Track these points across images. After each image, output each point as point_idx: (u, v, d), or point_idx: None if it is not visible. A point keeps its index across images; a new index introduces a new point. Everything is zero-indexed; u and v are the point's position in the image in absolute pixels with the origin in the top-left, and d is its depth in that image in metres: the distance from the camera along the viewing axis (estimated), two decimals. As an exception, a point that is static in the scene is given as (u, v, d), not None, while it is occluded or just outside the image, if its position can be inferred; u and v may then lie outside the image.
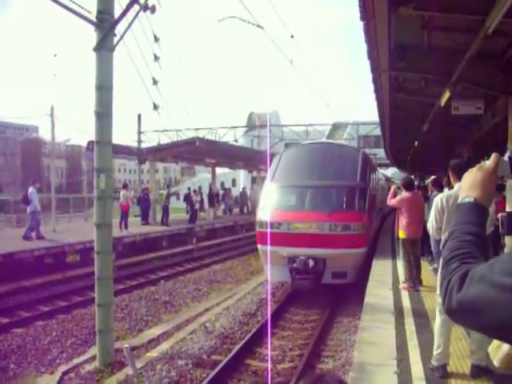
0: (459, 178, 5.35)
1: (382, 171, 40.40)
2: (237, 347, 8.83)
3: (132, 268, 17.97)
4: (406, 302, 8.74)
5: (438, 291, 5.65)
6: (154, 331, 10.60)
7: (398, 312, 8.05)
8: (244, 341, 9.17)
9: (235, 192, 50.19)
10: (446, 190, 9.69)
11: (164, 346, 9.26)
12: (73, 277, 15.84)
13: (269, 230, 12.32)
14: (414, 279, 9.94)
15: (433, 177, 12.06)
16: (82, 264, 17.09)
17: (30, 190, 18.57)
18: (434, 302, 8.25)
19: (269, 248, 12.27)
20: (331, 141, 22.67)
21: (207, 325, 10.45)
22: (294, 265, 12.12)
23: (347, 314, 11.30)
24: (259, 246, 13.22)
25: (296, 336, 9.97)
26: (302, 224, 12.40)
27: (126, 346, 8.05)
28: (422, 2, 6.89)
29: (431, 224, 5.72)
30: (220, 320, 10.92)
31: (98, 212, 8.52)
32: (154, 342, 9.85)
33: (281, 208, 13.03)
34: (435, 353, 5.51)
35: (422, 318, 7.66)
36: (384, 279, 10.85)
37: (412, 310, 8.23)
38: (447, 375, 5.43)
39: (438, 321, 5.56)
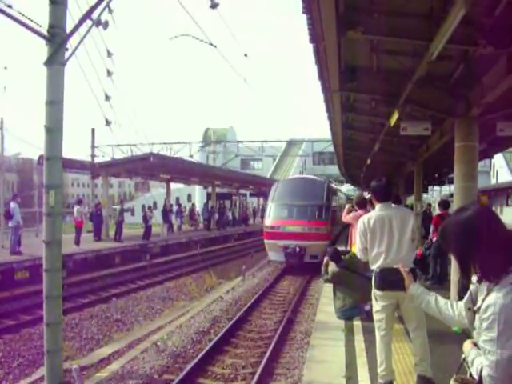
0: (378, 199, 5.74)
1: (342, 188, 44.03)
2: (189, 366, 8.74)
3: (83, 285, 17.63)
4: (357, 319, 8.85)
5: (374, 313, 5.73)
6: (105, 350, 10.40)
7: (349, 329, 8.15)
8: (196, 359, 9.07)
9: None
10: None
11: (115, 366, 9.10)
12: (21, 294, 15.42)
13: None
14: None
15: (369, 195, 12.67)
16: (31, 281, 16.64)
17: (12, 205, 18.81)
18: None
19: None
20: (308, 176, 29.83)
21: (159, 343, 10.32)
22: (287, 251, 19.96)
23: (300, 331, 11.36)
24: (265, 240, 21.45)
25: (249, 353, 9.93)
26: (291, 227, 20.48)
27: (75, 366, 7.87)
28: (369, 26, 7.10)
29: (357, 247, 5.86)
30: (172, 338, 10.80)
31: (48, 229, 8.31)
32: (105, 361, 9.66)
33: (278, 217, 21.10)
34: (379, 370, 5.59)
35: (372, 335, 7.70)
36: (336, 296, 10.97)
37: (362, 326, 8.35)
38: None
39: (377, 338, 5.67)
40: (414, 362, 5.70)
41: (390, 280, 3.00)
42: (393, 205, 5.87)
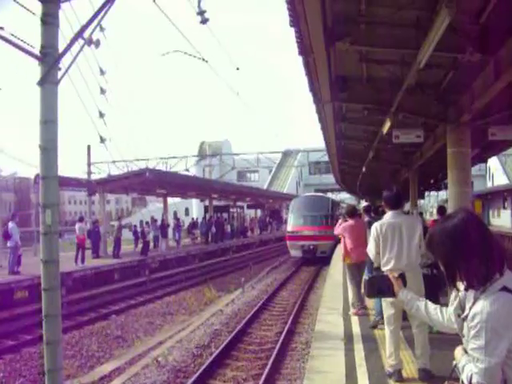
0: (390, 207, 6.25)
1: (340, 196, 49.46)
2: (190, 381, 8.72)
3: (82, 303, 17.57)
4: (356, 328, 8.83)
5: (384, 308, 6.21)
6: (106, 367, 10.37)
7: (348, 338, 8.13)
8: (197, 374, 9.05)
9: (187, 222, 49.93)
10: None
11: (116, 383, 9.08)
12: (20, 314, 15.35)
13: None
14: (362, 302, 10.21)
15: (365, 203, 12.96)
16: (31, 300, 16.57)
17: (11, 225, 18.69)
18: (383, 326, 8.40)
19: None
20: (317, 193, 38.48)
21: (160, 359, 10.29)
22: (304, 249, 27.39)
23: (301, 342, 11.35)
24: (288, 242, 28.87)
25: (250, 366, 9.92)
26: (307, 231, 27.72)
27: (76, 384, 7.87)
28: (357, 37, 7.20)
29: (370, 250, 6.39)
30: (173, 353, 10.77)
31: (45, 248, 8.29)
32: (106, 378, 9.64)
33: (297, 224, 28.65)
34: (389, 361, 6.09)
35: (372, 343, 7.77)
36: (335, 305, 10.97)
37: (362, 335, 8.32)
38: (402, 379, 5.95)
39: (387, 333, 6.16)
40: (415, 355, 6.19)
41: (379, 287, 3.02)
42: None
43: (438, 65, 8.50)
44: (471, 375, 2.09)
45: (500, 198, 46.31)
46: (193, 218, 43.80)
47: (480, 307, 2.08)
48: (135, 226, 31.96)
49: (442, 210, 12.69)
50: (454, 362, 2.31)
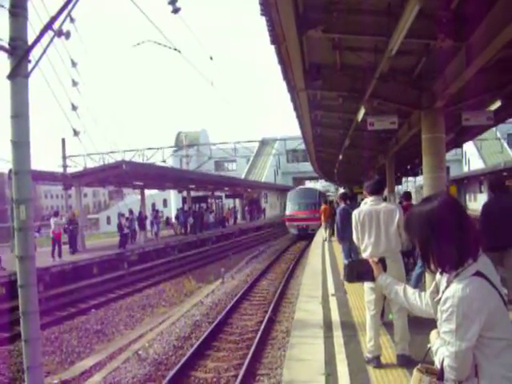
0: (368, 192, 6.47)
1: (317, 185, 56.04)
2: (171, 373, 8.71)
3: (61, 298, 17.40)
4: (335, 316, 8.86)
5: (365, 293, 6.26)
6: (87, 362, 10.30)
7: (327, 326, 8.17)
8: (178, 366, 9.04)
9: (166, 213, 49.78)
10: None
11: (96, 378, 9.03)
12: (-2, 312, 15.16)
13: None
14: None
15: (341, 191, 13.49)
16: (9, 297, 16.36)
17: None
18: (361, 313, 8.48)
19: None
20: (308, 186, 50.95)
21: (140, 352, 10.26)
22: (299, 228, 37.40)
23: (281, 330, 11.41)
24: (287, 223, 39.12)
25: (231, 356, 9.95)
26: (301, 215, 37.37)
27: (56, 381, 7.82)
28: (329, 24, 7.19)
29: (354, 237, 6.61)
30: (154, 346, 10.74)
31: (20, 244, 8.18)
32: (87, 373, 9.58)
33: (294, 209, 38.28)
34: (368, 345, 6.18)
35: (350, 330, 7.82)
36: (314, 293, 11.03)
37: (341, 322, 8.35)
38: (381, 365, 6.03)
39: (367, 317, 6.26)
40: (394, 342, 6.27)
41: (359, 271, 3.04)
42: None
43: (410, 52, 8.54)
44: (443, 358, 2.12)
45: (476, 182, 47.12)
46: (181, 209, 43.58)
47: (452, 291, 2.08)
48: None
49: (407, 195, 12.90)
50: (429, 345, 2.33)
